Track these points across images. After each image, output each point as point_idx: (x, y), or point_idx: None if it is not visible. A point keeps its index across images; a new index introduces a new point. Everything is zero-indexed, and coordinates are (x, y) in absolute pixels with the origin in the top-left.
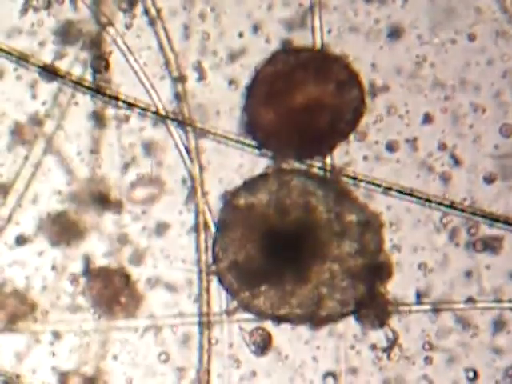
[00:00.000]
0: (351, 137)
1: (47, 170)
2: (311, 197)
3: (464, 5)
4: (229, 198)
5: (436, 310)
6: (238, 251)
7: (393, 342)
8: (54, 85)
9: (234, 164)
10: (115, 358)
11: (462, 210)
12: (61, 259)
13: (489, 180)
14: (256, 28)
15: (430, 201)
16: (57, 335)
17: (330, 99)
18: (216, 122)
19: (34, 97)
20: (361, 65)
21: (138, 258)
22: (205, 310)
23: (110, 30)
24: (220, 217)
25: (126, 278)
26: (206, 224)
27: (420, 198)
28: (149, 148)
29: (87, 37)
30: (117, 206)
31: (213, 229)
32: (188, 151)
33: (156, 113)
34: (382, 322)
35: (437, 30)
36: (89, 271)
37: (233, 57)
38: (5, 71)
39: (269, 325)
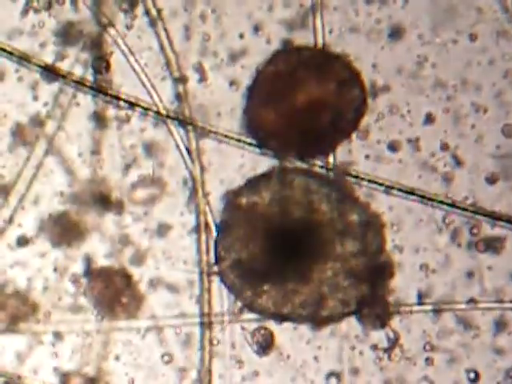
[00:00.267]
0: (353, 136)
1: (48, 171)
2: (313, 196)
3: (465, 5)
4: (231, 197)
5: (437, 310)
6: (241, 250)
7: (394, 343)
8: (55, 86)
9: (236, 164)
10: (117, 358)
11: (464, 209)
12: (62, 260)
13: (491, 180)
14: (257, 29)
15: (431, 199)
16: (58, 336)
17: (331, 98)
18: (217, 123)
19: (35, 98)
20: (362, 65)
21: (139, 259)
22: (206, 310)
23: (111, 30)
24: (222, 216)
25: (128, 278)
26: (207, 225)
27: (422, 197)
28: (150, 149)
29: (88, 38)
30: (118, 207)
31: (214, 229)
32: (189, 152)
33: (157, 113)
34: (383, 323)
35: (438, 30)
36: (90, 272)
37: (234, 57)
38: (6, 73)
39: (271, 324)
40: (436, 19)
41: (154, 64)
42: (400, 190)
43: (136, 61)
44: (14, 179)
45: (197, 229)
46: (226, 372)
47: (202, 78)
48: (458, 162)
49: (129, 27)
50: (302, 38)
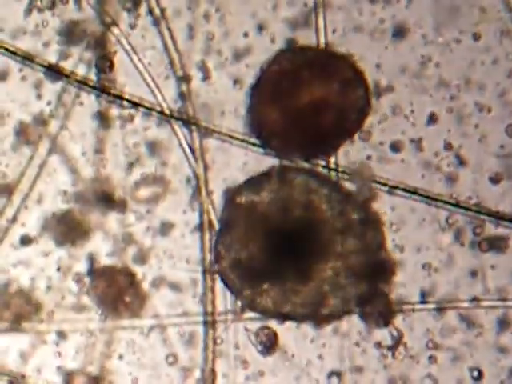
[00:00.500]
0: (356, 136)
1: (52, 170)
2: (314, 195)
3: (468, 4)
4: (231, 195)
5: (440, 308)
6: (241, 249)
7: (397, 341)
8: (59, 85)
9: (239, 163)
10: (121, 357)
11: (468, 209)
12: (65, 259)
13: (495, 180)
14: (261, 28)
15: (434, 199)
16: (62, 335)
17: (334, 98)
18: (221, 122)
19: (38, 97)
20: (366, 65)
21: (142, 258)
22: (210, 309)
23: (115, 29)
24: (222, 215)
25: (131, 277)
26: (210, 223)
27: (426, 197)
28: (153, 148)
29: (91, 37)
30: (121, 206)
31: (216, 228)
32: (192, 150)
33: (160, 112)
34: (386, 321)
35: (441, 29)
36: (93, 271)
37: (237, 56)
38: (10, 72)
39: (274, 324)
40: (440, 19)
41: (157, 63)
42: (404, 189)
43: (139, 60)
44: (18, 178)
45: (200, 227)
46: (229, 371)
47: (206, 77)
48: (462, 162)
49: (132, 26)
50: (306, 38)
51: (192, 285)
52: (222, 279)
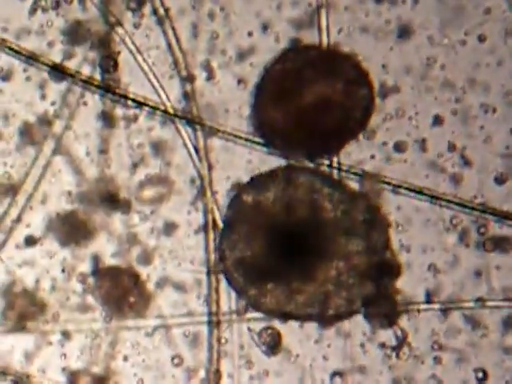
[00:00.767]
0: (360, 136)
1: (56, 171)
2: (318, 194)
3: (473, 5)
4: (235, 194)
5: (445, 309)
6: (245, 249)
7: (402, 341)
8: (63, 85)
9: (243, 162)
10: (125, 358)
11: (472, 208)
12: (70, 259)
13: (500, 180)
14: (265, 27)
15: (439, 198)
16: (66, 335)
17: (339, 98)
18: (225, 121)
19: (43, 97)
20: (371, 65)
21: (146, 258)
22: (214, 309)
23: (119, 29)
24: (226, 214)
25: (135, 277)
26: (214, 223)
27: (431, 197)
28: (157, 148)
29: (96, 36)
30: (125, 206)
31: (221, 228)
32: (196, 150)
33: (165, 112)
34: (391, 321)
35: (447, 30)
36: (98, 271)
37: (242, 56)
38: (14, 72)
39: (277, 324)
40: (445, 20)
41: (161, 63)
42: (408, 189)
43: (144, 60)
44: (22, 179)
45: (204, 227)
46: (234, 371)
47: (210, 76)
48: (467, 163)
49: (136, 26)
50: (309, 37)
51: (196, 285)
52: (227, 278)
